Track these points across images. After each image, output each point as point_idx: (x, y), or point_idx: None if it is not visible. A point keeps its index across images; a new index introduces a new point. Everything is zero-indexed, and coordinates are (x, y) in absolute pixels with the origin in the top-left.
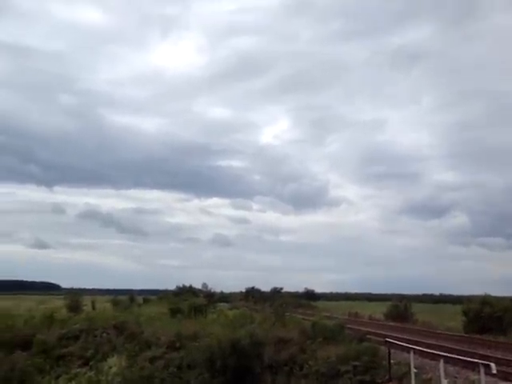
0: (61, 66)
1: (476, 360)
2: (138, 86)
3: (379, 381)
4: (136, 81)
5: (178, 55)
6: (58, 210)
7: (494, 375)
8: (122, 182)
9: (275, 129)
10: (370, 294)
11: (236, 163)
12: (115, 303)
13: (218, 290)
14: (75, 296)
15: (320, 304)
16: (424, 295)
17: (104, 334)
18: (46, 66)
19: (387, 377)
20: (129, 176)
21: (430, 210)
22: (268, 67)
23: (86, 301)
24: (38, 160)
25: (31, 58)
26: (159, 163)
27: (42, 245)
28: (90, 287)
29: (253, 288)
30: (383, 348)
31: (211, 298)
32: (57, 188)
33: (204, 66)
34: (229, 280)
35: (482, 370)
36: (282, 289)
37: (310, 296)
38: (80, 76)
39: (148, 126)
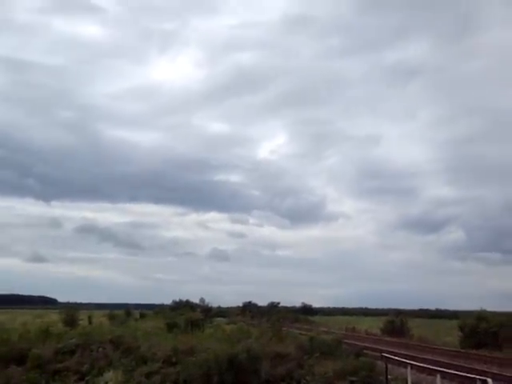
0: (60, 80)
1: (473, 375)
2: (136, 101)
3: None
4: (134, 95)
5: (177, 70)
6: (56, 224)
7: None
8: (120, 196)
9: (273, 143)
10: (367, 308)
11: (234, 178)
12: (112, 318)
13: (215, 304)
14: (71, 310)
15: (317, 319)
16: (420, 310)
17: (100, 349)
18: (45, 80)
19: None
20: (126, 190)
21: (427, 225)
22: (266, 82)
23: (83, 315)
24: (36, 174)
25: (30, 72)
26: (157, 177)
27: (39, 259)
28: (87, 301)
29: (250, 303)
30: (380, 363)
31: (208, 313)
32: (54, 202)
33: (202, 80)
34: (226, 295)
35: None
36: (278, 303)
37: (307, 311)
38: (79, 90)
39: (146, 140)
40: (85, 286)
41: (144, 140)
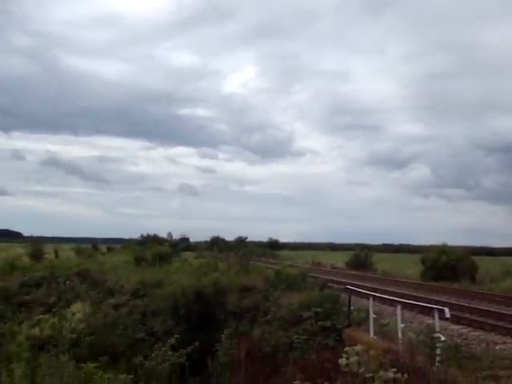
0: (15, 3)
1: (431, 305)
2: (98, 29)
3: (339, 326)
4: (96, 23)
5: None
6: (18, 156)
7: (447, 319)
8: (83, 129)
9: (241, 77)
10: (333, 243)
11: (201, 111)
12: (78, 252)
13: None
14: (37, 244)
15: (284, 253)
16: (385, 245)
17: (67, 282)
18: None
19: (347, 322)
20: (90, 123)
21: (395, 162)
22: (235, 13)
23: (49, 249)
24: None
25: None
26: (121, 110)
27: (1, 191)
28: (53, 235)
29: (218, 237)
30: (344, 295)
31: (176, 247)
32: (16, 133)
33: (169, 9)
34: (194, 230)
35: (436, 315)
36: (246, 238)
37: (273, 245)
38: (36, 15)
39: (109, 71)
40: (50, 220)
41: (107, 71)
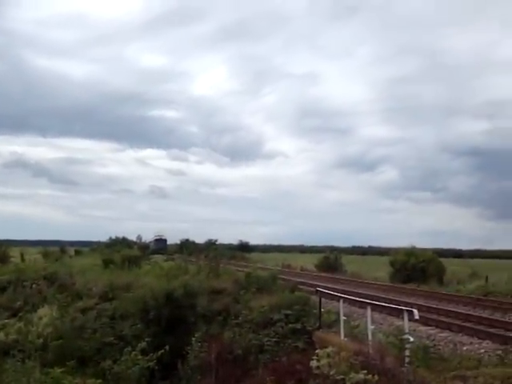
0: None
1: (400, 307)
2: (65, 29)
3: (310, 328)
4: (63, 22)
5: None
6: None
7: (416, 321)
8: (51, 130)
9: (211, 79)
10: (303, 246)
11: (170, 113)
12: (46, 255)
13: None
14: (2, 246)
15: (254, 256)
16: (354, 247)
17: (34, 285)
18: None
19: (317, 324)
20: (58, 124)
21: (364, 164)
22: (206, 15)
23: (15, 252)
24: None
25: None
26: (89, 111)
27: None
28: (19, 238)
29: (187, 240)
30: (314, 297)
31: (145, 250)
32: None
33: (138, 10)
34: (164, 232)
35: (406, 316)
36: (216, 241)
37: (244, 248)
38: (1, 13)
39: (77, 71)
40: (16, 222)
41: (75, 72)
